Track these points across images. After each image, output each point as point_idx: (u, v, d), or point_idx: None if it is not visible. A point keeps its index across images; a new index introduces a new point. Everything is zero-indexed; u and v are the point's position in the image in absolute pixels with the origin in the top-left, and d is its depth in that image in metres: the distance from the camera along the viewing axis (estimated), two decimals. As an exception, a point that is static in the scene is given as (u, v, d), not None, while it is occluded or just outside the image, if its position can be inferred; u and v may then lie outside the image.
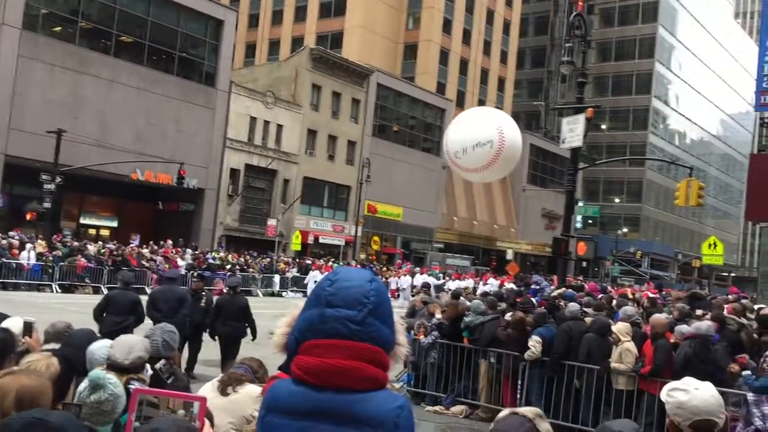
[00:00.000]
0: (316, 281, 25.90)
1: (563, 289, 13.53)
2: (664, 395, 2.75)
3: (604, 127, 68.41)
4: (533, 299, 11.66)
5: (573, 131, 15.02)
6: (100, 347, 3.81)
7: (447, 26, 57.63)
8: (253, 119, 40.85)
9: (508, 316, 10.25)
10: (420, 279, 30.47)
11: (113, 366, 3.65)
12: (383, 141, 49.16)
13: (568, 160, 19.61)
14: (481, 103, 62.00)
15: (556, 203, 63.66)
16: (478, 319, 10.28)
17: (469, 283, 32.60)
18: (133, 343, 3.78)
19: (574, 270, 47.66)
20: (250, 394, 4.03)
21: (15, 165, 30.75)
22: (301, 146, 43.75)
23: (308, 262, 35.44)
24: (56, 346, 4.38)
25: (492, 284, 31.78)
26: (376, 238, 48.99)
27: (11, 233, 26.70)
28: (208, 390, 4.13)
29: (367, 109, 47.93)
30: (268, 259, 34.08)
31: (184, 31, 37.67)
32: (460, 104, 58.50)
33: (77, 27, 33.68)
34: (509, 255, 52.99)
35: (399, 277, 33.92)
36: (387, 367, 1.85)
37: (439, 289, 26.31)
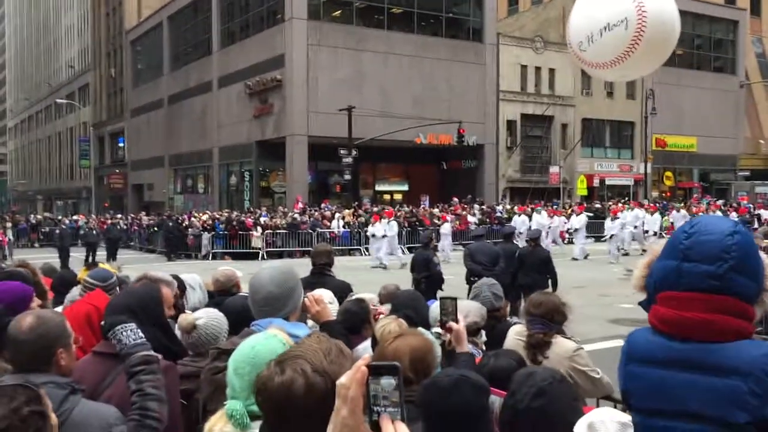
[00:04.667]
0: (386, 241, 23.72)
1: None
2: None
3: None
4: None
5: None
6: (434, 308, 4.16)
7: (732, -75, 50.66)
8: (523, 67, 40.33)
9: None
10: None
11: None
12: (667, 67, 44.81)
13: None
14: (783, 5, 53.72)
15: None
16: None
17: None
18: (470, 308, 3.99)
19: None
20: (560, 354, 3.86)
21: (317, 144, 34.25)
22: (576, 87, 42.11)
23: (597, 205, 34.24)
24: (389, 306, 4.86)
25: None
26: (668, 173, 45.69)
27: (323, 206, 30.00)
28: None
29: (645, 36, 44.40)
30: (555, 207, 33.59)
31: (448, -9, 38.35)
32: (756, 12, 51.35)
33: (353, 8, 36.16)
34: (836, 176, 45.64)
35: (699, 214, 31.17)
36: (752, 318, 1.74)
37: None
